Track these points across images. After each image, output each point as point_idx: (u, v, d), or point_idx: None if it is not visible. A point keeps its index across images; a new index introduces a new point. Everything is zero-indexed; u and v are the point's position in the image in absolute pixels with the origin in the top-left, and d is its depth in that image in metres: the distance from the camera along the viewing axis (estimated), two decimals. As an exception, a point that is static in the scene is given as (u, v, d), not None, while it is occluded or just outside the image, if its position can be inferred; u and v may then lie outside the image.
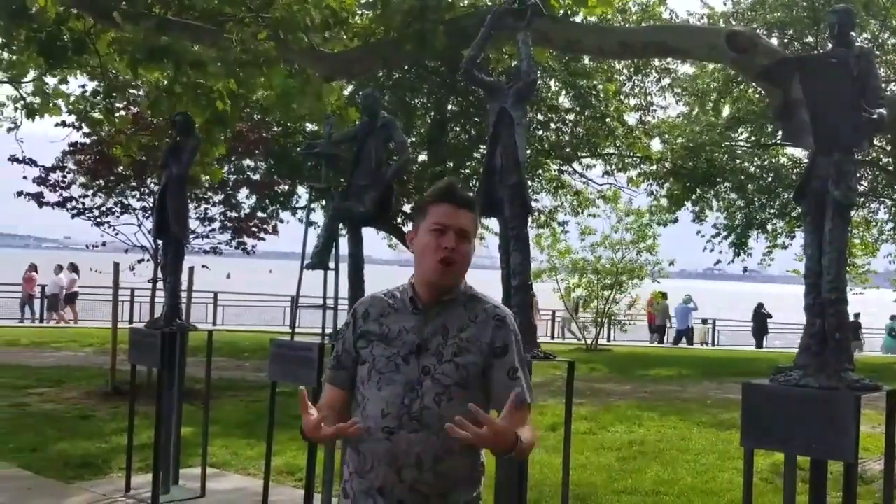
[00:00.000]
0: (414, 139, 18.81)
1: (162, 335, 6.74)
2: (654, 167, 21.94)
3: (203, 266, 12.31)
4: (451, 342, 2.60)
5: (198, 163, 9.49)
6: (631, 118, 21.30)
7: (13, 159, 12.15)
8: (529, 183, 18.09)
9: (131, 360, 7.31)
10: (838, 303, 3.96)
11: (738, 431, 4.11)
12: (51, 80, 10.46)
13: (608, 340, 25.43)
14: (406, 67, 17.44)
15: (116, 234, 12.55)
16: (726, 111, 22.04)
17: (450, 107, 19.63)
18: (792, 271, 19.58)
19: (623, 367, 17.67)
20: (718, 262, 24.12)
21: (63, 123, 11.51)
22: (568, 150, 20.94)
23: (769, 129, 20.65)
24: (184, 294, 7.65)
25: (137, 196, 12.36)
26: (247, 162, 17.49)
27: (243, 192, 15.32)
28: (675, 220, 22.86)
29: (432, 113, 19.75)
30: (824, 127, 4.04)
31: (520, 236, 5.00)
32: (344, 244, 6.20)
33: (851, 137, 4.06)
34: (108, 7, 8.46)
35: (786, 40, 19.25)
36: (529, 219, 5.38)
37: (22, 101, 10.51)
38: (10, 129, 11.28)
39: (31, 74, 10.17)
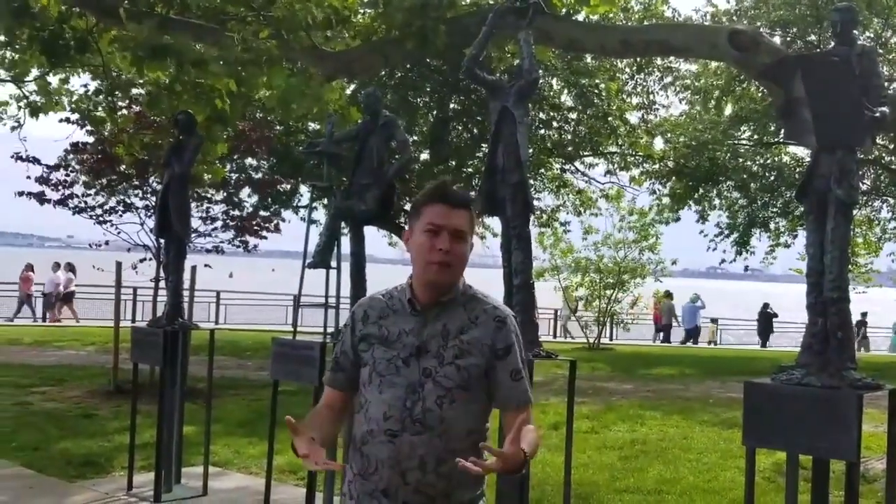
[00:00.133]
0: (416, 138, 18.81)
1: (164, 334, 6.75)
2: (657, 166, 21.94)
3: (205, 265, 12.33)
4: (451, 344, 2.59)
5: (200, 162, 9.50)
6: (633, 117, 21.31)
7: (17, 157, 12.15)
8: (531, 182, 18.12)
9: (133, 358, 7.31)
10: (840, 301, 3.96)
11: (740, 430, 4.10)
12: (53, 79, 10.48)
13: (610, 339, 25.42)
14: (408, 66, 17.44)
15: (119, 233, 12.55)
16: (729, 110, 22.03)
17: (452, 105, 19.62)
18: (794, 270, 19.55)
19: (625, 365, 17.66)
20: (723, 261, 24.09)
21: (67, 120, 11.52)
22: (570, 148, 20.93)
23: (772, 128, 20.62)
24: (186, 293, 7.65)
25: (140, 195, 12.37)
26: (249, 161, 17.49)
27: (245, 190, 15.31)
28: (678, 219, 22.85)
29: (434, 112, 19.73)
30: (826, 125, 4.04)
31: (521, 235, 5.00)
32: (346, 243, 6.20)
33: (854, 136, 4.06)
34: (110, 5, 8.47)
35: (788, 38, 19.23)
36: (531, 218, 5.37)
37: (25, 100, 10.52)
38: (13, 128, 11.29)
39: (34, 73, 10.18)
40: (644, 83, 21.32)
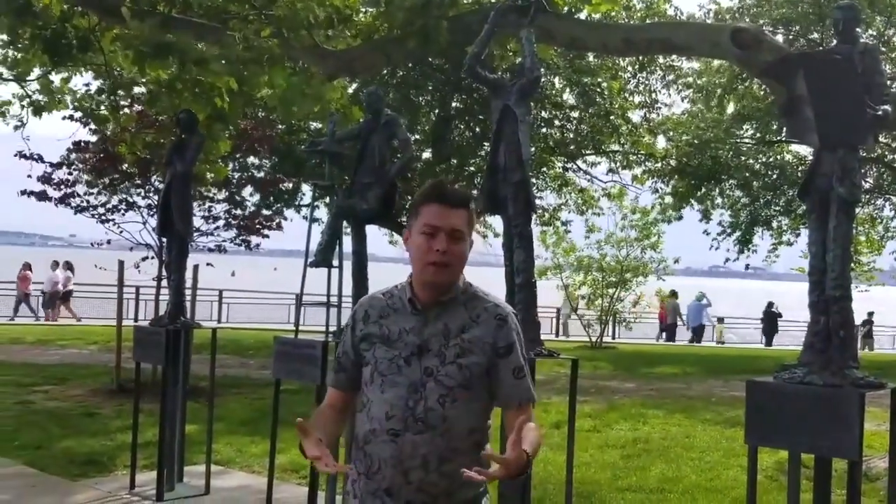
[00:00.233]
0: (418, 137, 18.82)
1: (166, 333, 6.75)
2: (659, 164, 21.93)
3: (207, 264, 12.33)
4: (453, 343, 2.58)
5: (203, 160, 9.50)
6: (635, 115, 21.30)
7: (20, 155, 12.16)
8: (533, 180, 18.07)
9: (136, 357, 7.32)
10: (842, 300, 3.95)
11: (742, 429, 4.10)
12: (56, 78, 10.48)
13: (613, 338, 25.41)
14: (410, 65, 17.44)
15: (121, 231, 12.56)
16: (731, 108, 22.02)
17: (454, 104, 19.63)
18: (797, 269, 19.54)
19: (628, 364, 17.65)
20: (727, 260, 24.06)
21: (70, 118, 11.53)
22: (572, 147, 20.93)
23: (774, 126, 20.61)
24: (188, 292, 7.66)
25: (142, 194, 12.38)
26: (251, 159, 17.50)
27: (248, 189, 15.32)
28: (681, 218, 22.83)
29: (436, 110, 19.74)
30: (829, 124, 4.03)
31: (523, 234, 5.00)
32: (348, 242, 6.20)
33: (856, 134, 4.05)
34: (112, 4, 8.47)
35: (791, 37, 19.23)
36: (533, 216, 5.36)
37: (28, 99, 10.53)
38: (16, 127, 11.30)
39: (36, 72, 10.18)
40: (646, 82, 21.32)
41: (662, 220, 22.54)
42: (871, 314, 30.10)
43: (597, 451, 8.85)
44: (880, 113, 3.96)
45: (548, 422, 9.84)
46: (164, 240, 8.26)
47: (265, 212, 16.69)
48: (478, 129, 19.15)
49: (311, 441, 2.42)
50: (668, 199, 22.61)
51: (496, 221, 16.98)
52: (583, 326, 23.34)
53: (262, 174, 17.92)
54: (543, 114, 19.68)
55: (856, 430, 3.68)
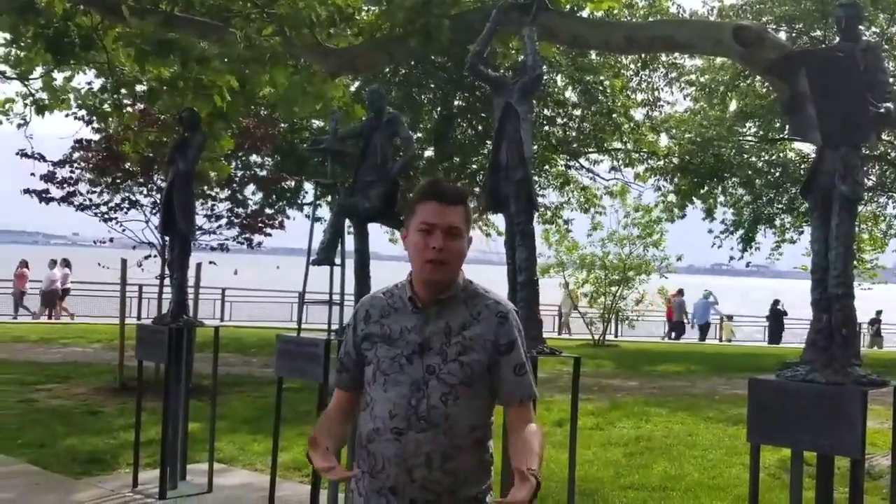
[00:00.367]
0: (420, 135, 18.82)
1: (169, 331, 6.76)
2: (661, 162, 21.91)
3: (210, 262, 12.34)
4: (454, 341, 2.59)
5: (206, 158, 9.50)
6: (638, 113, 21.29)
7: (22, 154, 12.17)
8: (536, 179, 18.10)
9: (138, 356, 7.32)
10: (845, 298, 3.94)
11: (745, 427, 4.09)
12: (59, 77, 10.48)
13: (616, 336, 25.41)
14: (412, 63, 17.44)
15: (124, 230, 12.57)
16: (733, 105, 22.00)
17: (456, 102, 19.63)
18: (800, 267, 19.52)
19: (631, 362, 17.65)
20: (732, 258, 24.04)
21: (74, 115, 11.53)
22: (574, 145, 20.92)
23: (777, 124, 20.59)
24: (191, 290, 7.66)
25: (144, 192, 12.38)
26: (253, 158, 17.51)
27: (250, 188, 15.34)
28: (684, 216, 22.82)
29: (438, 108, 19.74)
30: (831, 121, 4.02)
31: (525, 232, 4.99)
32: (350, 240, 6.20)
33: (858, 132, 4.04)
34: (114, 3, 8.47)
35: (794, 34, 19.20)
36: (535, 215, 5.36)
37: (31, 98, 10.53)
38: (19, 126, 11.31)
39: (39, 71, 10.19)
40: (649, 79, 21.30)
41: (666, 218, 22.53)
42: (879, 313, 30.04)
43: (599, 449, 8.85)
44: (883, 110, 3.95)
45: (550, 420, 9.84)
46: (167, 238, 8.26)
47: (267, 210, 16.71)
48: (480, 127, 19.15)
49: (318, 453, 2.46)
50: (671, 197, 22.59)
51: (498, 219, 17.00)
52: (585, 324, 23.35)
53: (264, 172, 17.94)
54: (546, 112, 19.68)
55: (858, 428, 3.67)
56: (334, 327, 6.04)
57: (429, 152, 19.77)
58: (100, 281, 21.29)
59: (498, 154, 5.08)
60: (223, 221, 13.25)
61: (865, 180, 19.21)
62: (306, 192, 19.83)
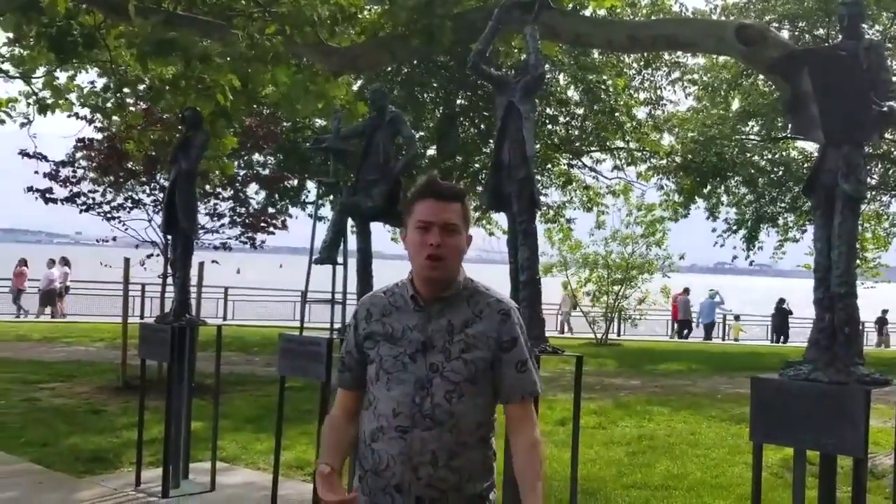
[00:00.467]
0: (423, 134, 18.81)
1: (172, 330, 6.76)
2: (664, 161, 21.89)
3: (213, 261, 12.34)
4: (457, 339, 2.60)
5: (210, 157, 9.50)
6: (640, 112, 21.26)
7: (24, 154, 12.18)
8: (538, 178, 18.09)
9: (141, 354, 7.32)
10: (847, 297, 3.93)
11: (748, 426, 4.09)
12: (62, 76, 10.49)
13: (618, 335, 25.39)
14: (414, 62, 17.43)
15: (126, 229, 12.58)
16: (736, 104, 21.97)
17: (458, 101, 19.62)
18: (803, 266, 19.50)
19: (633, 361, 17.65)
20: (735, 257, 24.02)
21: (76, 115, 11.54)
22: (577, 144, 20.91)
23: (779, 123, 20.55)
24: (193, 289, 7.66)
25: (147, 191, 12.40)
26: (256, 157, 17.51)
27: (252, 187, 15.34)
28: (687, 215, 22.79)
29: (441, 107, 19.73)
30: (834, 120, 4.02)
31: (528, 231, 4.99)
32: (353, 239, 6.20)
33: (861, 131, 4.03)
34: (117, 2, 8.47)
35: (797, 33, 19.17)
36: (537, 214, 5.35)
37: (34, 97, 10.54)
38: (22, 125, 11.31)
39: (42, 70, 10.19)
40: (651, 78, 21.26)
41: (670, 217, 22.52)
42: (885, 311, 30.02)
43: (602, 447, 8.85)
44: (885, 109, 3.94)
45: (553, 419, 9.85)
46: (170, 237, 8.27)
47: (270, 209, 16.72)
48: (482, 126, 19.14)
49: (325, 484, 2.55)
50: (674, 196, 22.57)
51: (501, 218, 16.99)
52: (588, 323, 23.35)
53: (266, 171, 17.95)
54: (548, 111, 19.66)
55: (861, 427, 3.67)
56: (337, 326, 6.05)
57: (431, 151, 19.76)
58: (102, 280, 21.31)
59: (500, 153, 5.08)
60: (226, 220, 13.27)
61: (868, 179, 19.16)
62: (309, 191, 19.84)
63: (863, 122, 4.00)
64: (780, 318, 28.73)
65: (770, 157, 22.61)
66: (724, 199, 23.00)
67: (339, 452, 2.67)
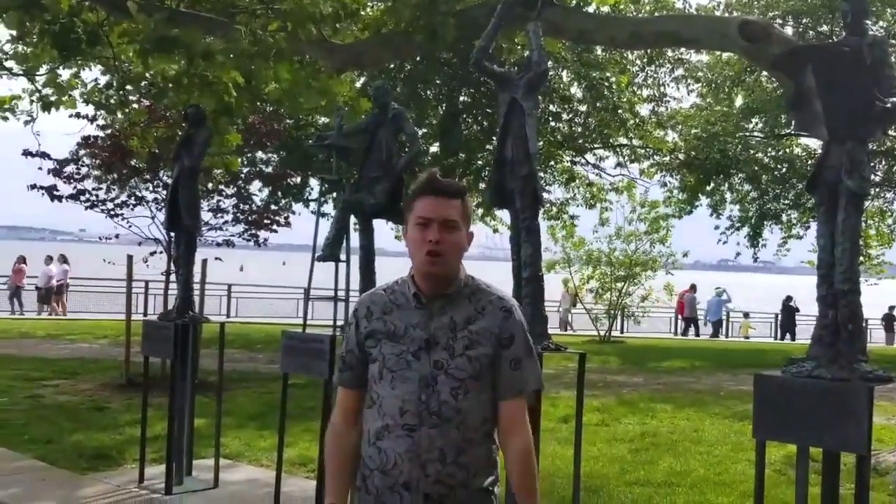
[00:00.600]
0: (426, 131, 18.80)
1: (175, 327, 6.77)
2: (667, 158, 21.86)
3: (216, 258, 12.35)
4: (461, 336, 2.61)
5: (214, 154, 9.51)
6: (644, 109, 21.23)
7: (27, 153, 12.19)
8: (541, 174, 18.09)
9: (145, 352, 7.32)
10: (851, 293, 3.93)
11: (751, 423, 4.09)
12: (65, 73, 10.50)
13: (621, 332, 25.37)
14: (417, 59, 17.42)
15: (130, 226, 12.58)
16: (739, 101, 21.93)
17: (461, 98, 19.60)
18: (807, 263, 19.46)
19: (636, 358, 17.64)
20: (738, 254, 23.98)
21: (78, 115, 11.54)
22: (580, 141, 20.88)
23: (783, 119, 20.51)
24: (197, 286, 7.68)
25: (150, 188, 12.40)
26: (259, 154, 17.51)
27: (255, 184, 15.34)
28: (690, 212, 22.77)
29: (444, 104, 19.72)
30: (837, 116, 4.01)
31: (531, 228, 4.99)
32: (355, 236, 6.21)
33: (865, 127, 4.02)
34: (120, -1, 8.48)
35: (800, 29, 19.13)
36: (541, 210, 5.35)
37: (37, 94, 10.55)
38: (26, 123, 11.32)
39: (45, 67, 10.20)
40: (655, 75, 21.23)
41: (674, 214, 22.50)
42: (892, 308, 29.98)
43: (605, 445, 8.85)
44: (889, 105, 3.93)
45: (556, 416, 9.85)
46: (173, 234, 8.28)
47: (273, 206, 16.73)
48: (485, 123, 19.11)
49: None
50: (678, 193, 22.54)
51: (504, 215, 16.95)
52: (591, 320, 23.34)
53: (269, 169, 17.94)
54: (551, 107, 19.65)
55: (864, 424, 3.66)
56: (340, 323, 6.04)
57: (434, 148, 19.75)
58: (106, 277, 21.32)
59: (503, 150, 5.07)
60: (229, 217, 13.27)
61: (872, 175, 19.16)
62: (312, 189, 19.86)
63: (866, 118, 3.99)
64: (788, 316, 28.70)
65: (774, 153, 22.56)
66: (728, 195, 22.96)
67: (342, 477, 2.69)
